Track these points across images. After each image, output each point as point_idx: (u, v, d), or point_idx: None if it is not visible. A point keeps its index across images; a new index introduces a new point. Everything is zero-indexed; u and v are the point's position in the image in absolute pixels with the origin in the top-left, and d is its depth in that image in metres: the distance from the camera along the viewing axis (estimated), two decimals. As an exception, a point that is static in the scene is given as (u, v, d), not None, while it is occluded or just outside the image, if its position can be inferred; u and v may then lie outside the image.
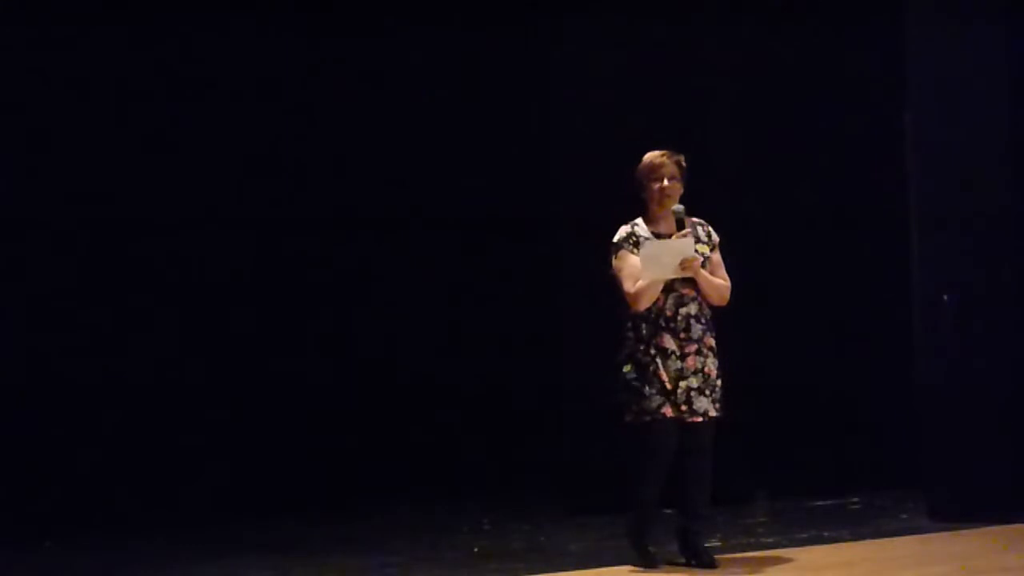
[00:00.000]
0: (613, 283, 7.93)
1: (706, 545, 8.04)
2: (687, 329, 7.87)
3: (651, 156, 7.95)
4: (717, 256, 8.04)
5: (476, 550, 8.84)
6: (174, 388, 10.61)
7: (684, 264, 7.79)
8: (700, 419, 7.85)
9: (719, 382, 7.93)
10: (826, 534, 8.86)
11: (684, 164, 7.98)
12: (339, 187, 11.15)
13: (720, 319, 9.86)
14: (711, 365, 7.90)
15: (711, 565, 7.91)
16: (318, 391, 11.00)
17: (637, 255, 7.83)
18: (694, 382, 7.85)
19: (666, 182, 7.89)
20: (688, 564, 7.93)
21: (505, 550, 8.78)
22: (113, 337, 10.52)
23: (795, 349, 10.18)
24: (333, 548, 9.04)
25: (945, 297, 9.15)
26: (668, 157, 7.94)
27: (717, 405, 7.92)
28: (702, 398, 7.86)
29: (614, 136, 9.36)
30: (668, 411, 7.81)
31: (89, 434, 10.32)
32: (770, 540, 8.73)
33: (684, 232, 7.84)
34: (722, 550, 8.44)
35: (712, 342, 7.94)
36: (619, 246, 7.92)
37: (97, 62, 10.41)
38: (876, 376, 10.26)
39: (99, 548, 9.24)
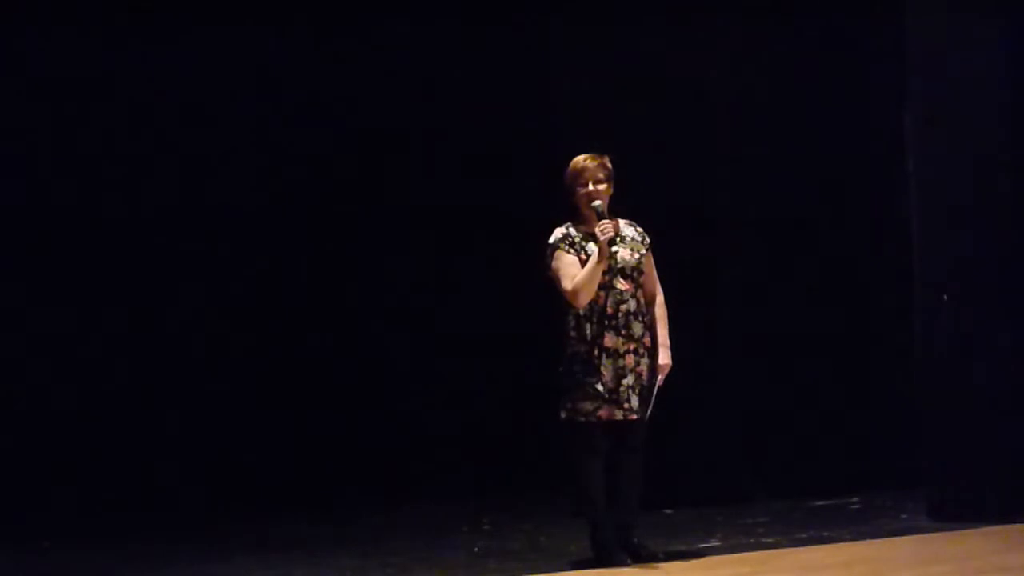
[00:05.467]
0: (551, 284, 8.01)
1: (639, 541, 8.09)
2: (627, 326, 7.97)
3: (577, 160, 8.06)
4: (650, 259, 8.12)
5: (476, 550, 8.83)
6: (174, 388, 10.62)
7: (601, 229, 7.88)
8: (635, 416, 7.96)
9: (651, 382, 8.03)
10: (826, 534, 8.85)
11: (610, 166, 8.05)
12: (336, 185, 11.16)
13: (720, 319, 9.93)
14: (644, 365, 8.01)
15: (654, 558, 8.02)
16: (318, 391, 11.01)
17: (573, 255, 7.94)
18: (631, 380, 7.95)
19: (591, 186, 7.98)
20: (633, 562, 7.98)
21: (505, 550, 8.77)
22: (113, 337, 10.53)
23: (795, 349, 10.17)
24: (333, 548, 9.04)
25: (945, 297, 9.14)
26: (593, 160, 8.02)
27: (647, 405, 8.01)
28: (636, 397, 7.96)
29: (613, 137, 9.35)
30: (603, 413, 7.93)
31: (89, 434, 10.33)
32: (770, 540, 8.72)
33: (603, 224, 7.90)
34: (722, 550, 8.45)
35: (649, 342, 8.04)
36: (555, 246, 8.02)
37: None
38: (876, 376, 10.26)
39: (99, 548, 9.24)
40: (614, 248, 7.96)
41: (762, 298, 10.14)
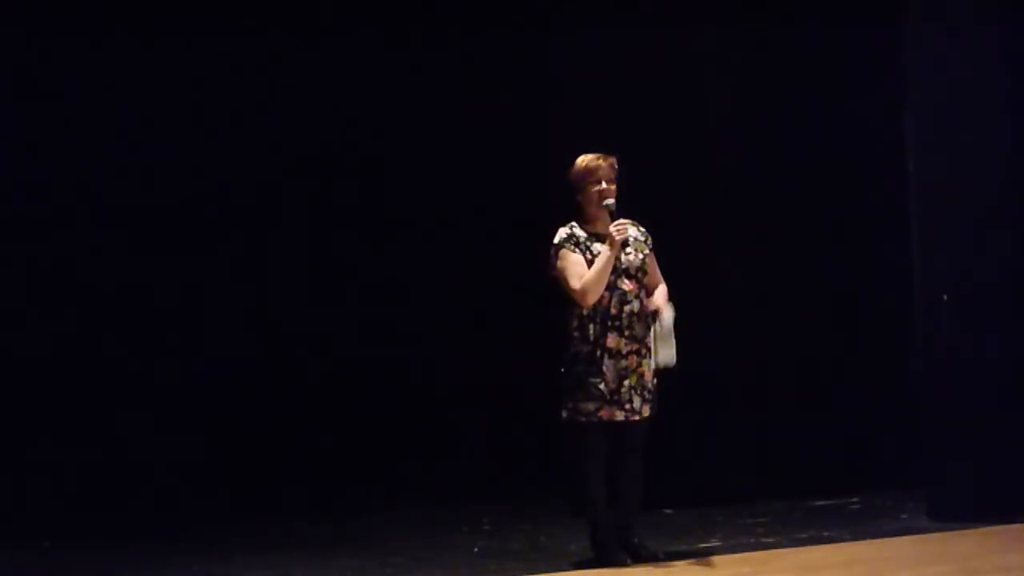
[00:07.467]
0: (556, 283, 8.01)
1: (639, 541, 8.11)
2: (630, 327, 7.98)
3: (586, 159, 8.06)
4: (652, 259, 8.12)
5: (476, 550, 8.83)
6: (174, 388, 10.61)
7: (616, 228, 7.89)
8: (637, 418, 7.95)
9: (652, 383, 8.04)
10: (826, 534, 8.86)
11: (617, 166, 8.06)
12: (336, 188, 11.16)
13: (720, 319, 9.94)
14: (646, 366, 8.01)
15: (654, 558, 8.03)
16: (317, 391, 11.00)
17: (578, 254, 7.93)
18: (632, 381, 7.94)
19: (603, 184, 7.97)
20: (633, 562, 7.99)
21: (505, 550, 8.78)
22: (113, 338, 10.53)
23: (795, 349, 10.18)
24: (333, 548, 9.04)
25: (945, 297, 9.15)
26: (603, 160, 8.03)
27: (649, 406, 8.01)
28: (638, 398, 7.95)
29: (612, 138, 9.36)
30: (604, 413, 7.94)
31: (89, 434, 10.32)
32: (770, 540, 8.72)
33: (619, 223, 7.91)
34: (722, 550, 8.44)
35: (651, 343, 8.03)
36: (560, 246, 8.02)
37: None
38: (876, 376, 10.26)
39: (98, 548, 9.23)
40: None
41: (762, 298, 10.13)
